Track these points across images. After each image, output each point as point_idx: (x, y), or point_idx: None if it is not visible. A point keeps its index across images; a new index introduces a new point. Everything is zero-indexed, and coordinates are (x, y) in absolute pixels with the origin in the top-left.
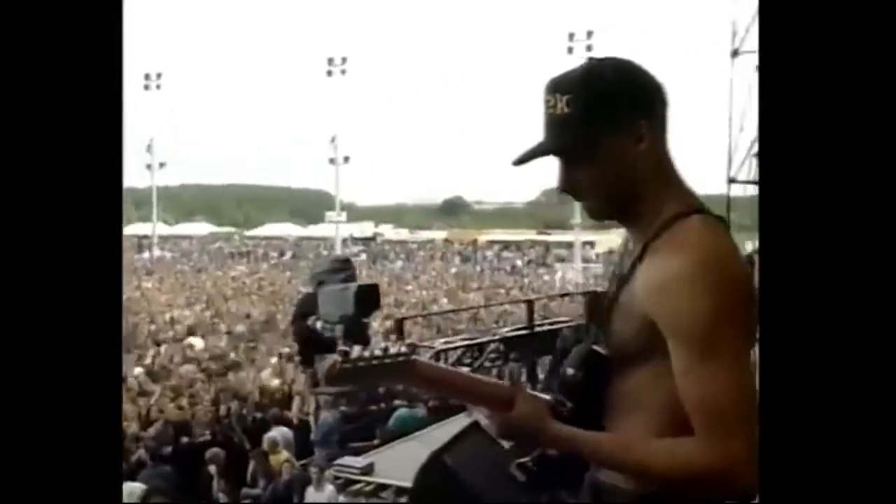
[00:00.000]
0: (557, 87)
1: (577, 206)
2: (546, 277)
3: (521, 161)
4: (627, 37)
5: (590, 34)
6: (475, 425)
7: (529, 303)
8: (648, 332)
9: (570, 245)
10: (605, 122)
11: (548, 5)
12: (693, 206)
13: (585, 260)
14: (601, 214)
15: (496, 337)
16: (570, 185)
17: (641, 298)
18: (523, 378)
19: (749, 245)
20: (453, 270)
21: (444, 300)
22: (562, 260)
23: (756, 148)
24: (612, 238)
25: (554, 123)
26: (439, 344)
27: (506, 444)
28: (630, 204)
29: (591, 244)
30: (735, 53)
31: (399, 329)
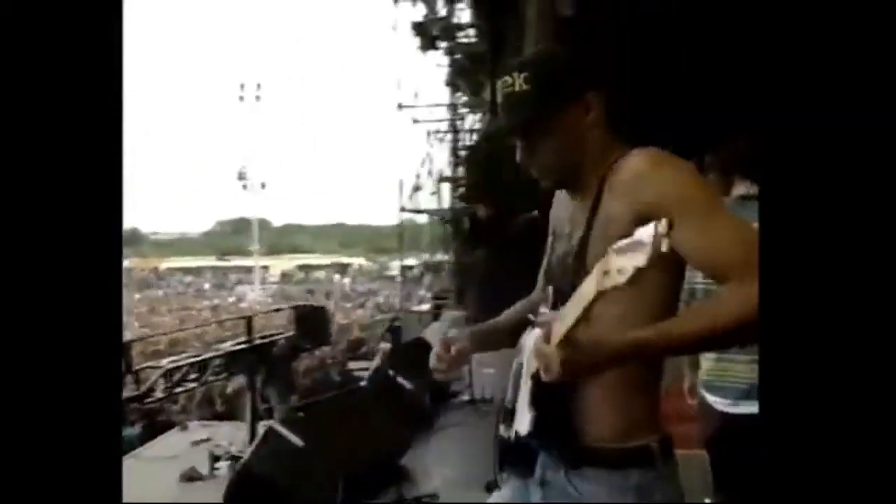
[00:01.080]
0: (514, 67)
1: (256, 234)
2: (231, 299)
3: (490, 139)
4: (300, 88)
5: (259, 86)
6: (270, 430)
7: (248, 319)
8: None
9: (248, 269)
10: (559, 95)
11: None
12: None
13: (263, 281)
14: (556, 184)
15: (219, 352)
16: (529, 159)
17: (626, 210)
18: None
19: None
20: (138, 296)
21: (136, 324)
22: (240, 283)
23: (418, 183)
24: (285, 262)
25: (513, 101)
26: (166, 363)
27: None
28: (581, 170)
29: (267, 268)
30: (400, 106)
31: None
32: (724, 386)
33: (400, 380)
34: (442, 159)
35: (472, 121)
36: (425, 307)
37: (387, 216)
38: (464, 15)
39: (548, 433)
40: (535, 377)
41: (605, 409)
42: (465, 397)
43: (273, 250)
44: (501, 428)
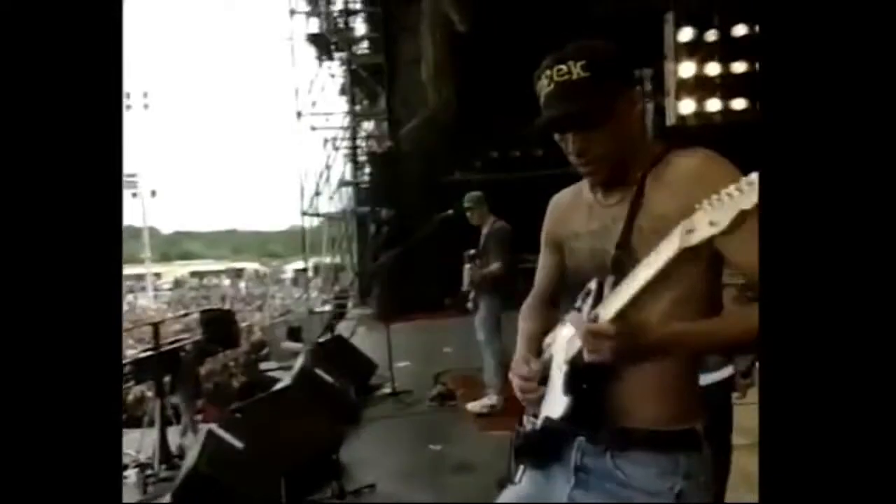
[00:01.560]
0: (568, 56)
1: (147, 242)
2: (125, 307)
3: (549, 129)
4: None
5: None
6: (210, 434)
7: (156, 325)
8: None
9: (140, 276)
10: (615, 84)
11: None
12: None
13: (156, 288)
14: (609, 178)
15: (127, 360)
16: (585, 151)
17: (674, 205)
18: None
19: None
20: None
21: None
22: (132, 291)
23: (318, 188)
24: (177, 269)
25: (570, 89)
26: None
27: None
28: (629, 164)
29: (159, 275)
30: (299, 115)
31: None
32: None
33: (325, 376)
34: (341, 165)
35: (369, 128)
36: (327, 307)
37: (279, 222)
38: (359, 27)
39: (585, 416)
40: (573, 362)
41: (654, 392)
42: (387, 390)
43: (165, 258)
44: (524, 420)
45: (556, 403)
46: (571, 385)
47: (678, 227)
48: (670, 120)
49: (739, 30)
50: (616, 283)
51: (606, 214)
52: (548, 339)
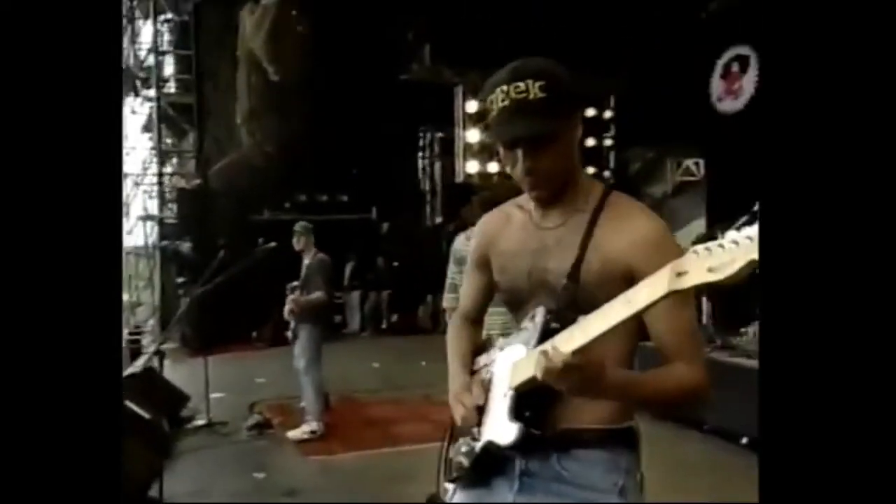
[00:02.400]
0: (526, 74)
1: None
2: None
3: (502, 144)
4: None
5: None
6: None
7: None
8: (625, 283)
9: None
10: (568, 106)
11: None
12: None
13: None
14: (551, 196)
15: None
16: (533, 168)
17: (624, 252)
18: None
19: None
20: None
21: None
22: None
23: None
24: None
25: (527, 109)
26: None
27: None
28: (572, 183)
29: None
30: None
31: None
32: None
33: (136, 409)
34: (141, 201)
35: (175, 165)
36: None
37: None
38: (168, 66)
39: (533, 442)
40: (520, 389)
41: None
42: (201, 421)
43: None
44: (460, 442)
45: (501, 429)
46: (518, 413)
47: (665, 270)
48: (459, 177)
49: None
50: (562, 313)
51: (548, 236)
52: (482, 360)
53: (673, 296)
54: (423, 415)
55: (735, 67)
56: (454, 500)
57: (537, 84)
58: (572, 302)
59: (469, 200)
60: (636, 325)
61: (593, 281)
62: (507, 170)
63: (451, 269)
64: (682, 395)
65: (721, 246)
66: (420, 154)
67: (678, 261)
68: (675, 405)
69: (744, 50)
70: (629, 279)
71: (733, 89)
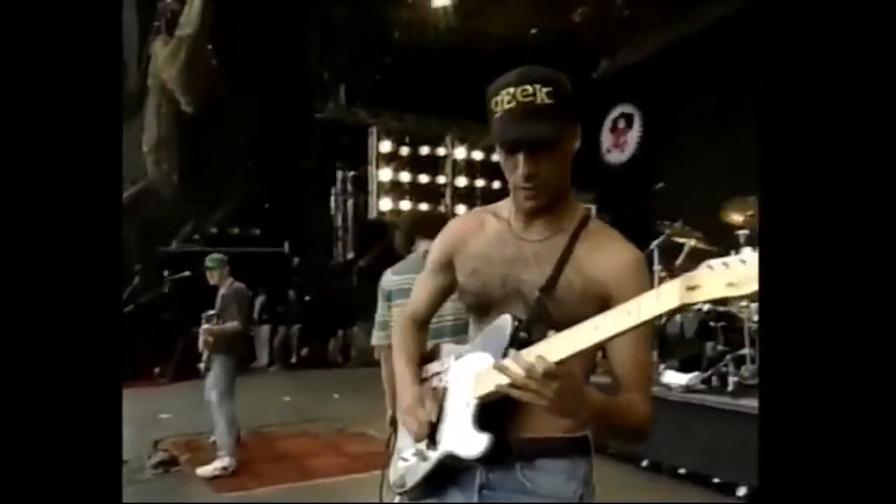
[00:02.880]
0: (534, 79)
1: None
2: None
3: (505, 146)
4: None
5: None
6: None
7: None
8: (599, 304)
9: None
10: (571, 116)
11: None
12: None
13: None
14: (544, 205)
15: None
16: (534, 174)
17: (605, 277)
18: None
19: None
20: None
21: None
22: None
23: None
24: None
25: (534, 113)
26: None
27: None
28: (562, 194)
29: None
30: None
31: None
32: None
33: None
34: None
35: None
36: None
37: None
38: None
39: (499, 451)
40: (485, 399)
41: None
42: None
43: None
44: (405, 455)
45: (464, 440)
46: (484, 423)
47: (674, 283)
48: (372, 214)
49: (424, 150)
50: (532, 324)
51: (527, 247)
52: (433, 367)
53: (638, 329)
54: (337, 447)
55: (622, 124)
56: None
57: (545, 90)
58: (544, 315)
59: (383, 237)
60: (594, 354)
61: (568, 298)
62: (506, 175)
63: (380, 305)
64: (638, 427)
65: (742, 261)
66: (333, 190)
67: (689, 275)
68: (629, 434)
69: (629, 108)
70: (604, 302)
71: (620, 143)
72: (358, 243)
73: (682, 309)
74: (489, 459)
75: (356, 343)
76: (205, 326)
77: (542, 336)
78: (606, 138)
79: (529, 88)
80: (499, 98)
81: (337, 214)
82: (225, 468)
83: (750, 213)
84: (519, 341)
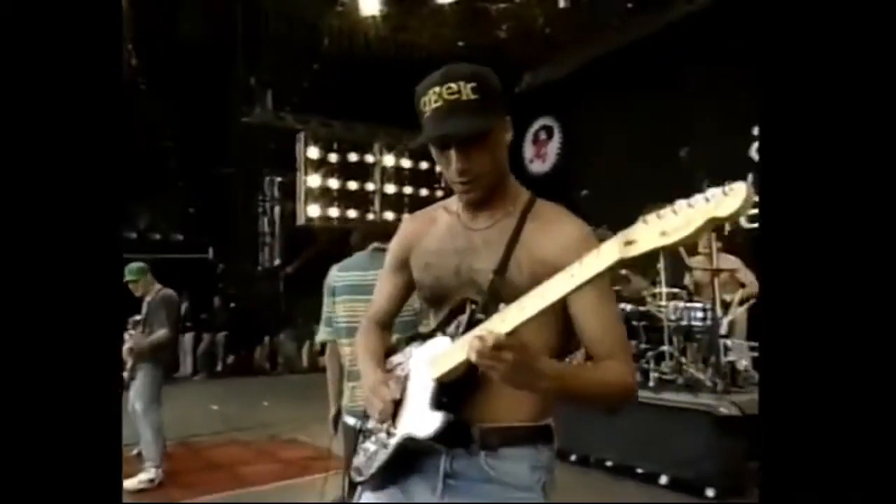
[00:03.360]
0: (458, 76)
1: None
2: None
3: (434, 143)
4: None
5: None
6: None
7: None
8: (549, 277)
9: None
10: (498, 110)
11: None
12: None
13: None
14: (482, 198)
15: None
16: (466, 169)
17: (552, 254)
18: None
19: None
20: None
21: None
22: None
23: None
24: None
25: (460, 109)
26: None
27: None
28: (502, 185)
29: None
30: None
31: None
32: (357, 410)
33: None
34: None
35: None
36: None
37: None
38: None
39: (457, 430)
40: (441, 380)
41: (524, 393)
42: None
43: None
44: (371, 440)
45: (421, 421)
46: (441, 402)
47: (612, 240)
48: (300, 220)
49: (352, 156)
50: (488, 306)
51: (475, 236)
52: (395, 359)
53: (598, 291)
54: (269, 454)
55: (543, 135)
56: (363, 501)
57: (469, 86)
58: (498, 297)
59: (311, 243)
60: (563, 324)
61: (520, 279)
62: (443, 172)
63: (326, 301)
64: (615, 392)
65: (674, 211)
66: (260, 196)
67: (626, 231)
68: (607, 402)
69: (549, 121)
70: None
71: (541, 153)
72: (285, 250)
73: (623, 265)
74: (447, 440)
75: (283, 350)
76: (130, 333)
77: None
78: (529, 149)
79: (454, 86)
80: (426, 98)
81: (264, 220)
82: (151, 480)
83: None
84: (475, 323)
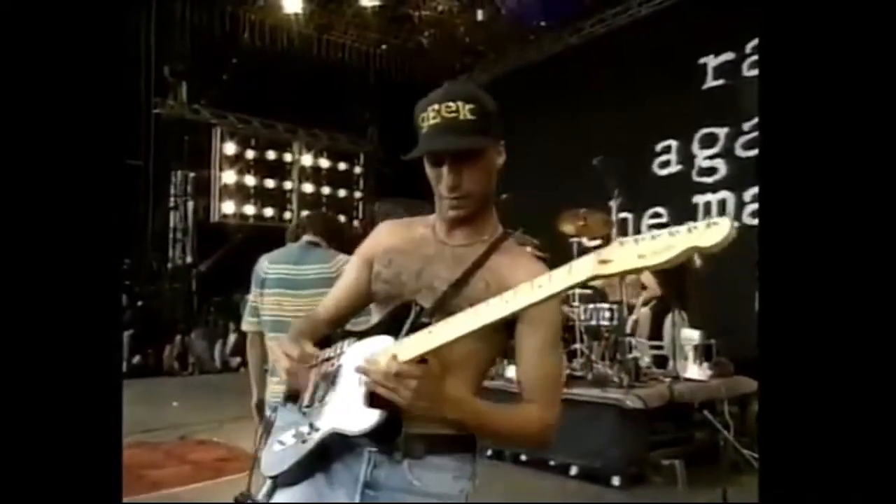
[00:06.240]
0: (458, 96)
1: None
2: None
3: (429, 158)
4: None
5: None
6: None
7: None
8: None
9: None
10: (493, 133)
11: None
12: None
13: None
14: (467, 215)
15: None
16: (457, 186)
17: (515, 285)
18: None
19: None
20: None
21: None
22: None
23: None
24: None
25: (456, 127)
26: None
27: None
28: (485, 207)
29: None
30: None
31: None
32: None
33: None
34: None
35: None
36: None
37: None
38: None
39: (389, 430)
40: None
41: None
42: None
43: None
44: (290, 432)
45: (353, 417)
46: (378, 400)
47: (588, 257)
48: (214, 217)
49: (270, 154)
50: (435, 312)
51: (445, 249)
52: (327, 352)
53: (546, 335)
54: (180, 456)
55: None
56: (274, 500)
57: (468, 106)
58: (449, 307)
59: (225, 241)
60: (494, 347)
61: (477, 298)
62: (432, 187)
63: (252, 291)
64: (529, 437)
65: (652, 237)
66: (172, 191)
67: (601, 250)
68: (520, 444)
69: None
70: (510, 316)
71: None
72: (197, 247)
73: (593, 279)
74: (378, 438)
75: (194, 350)
76: None
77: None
78: None
79: (453, 105)
80: (425, 115)
81: (175, 216)
82: None
83: (581, 223)
84: (419, 326)
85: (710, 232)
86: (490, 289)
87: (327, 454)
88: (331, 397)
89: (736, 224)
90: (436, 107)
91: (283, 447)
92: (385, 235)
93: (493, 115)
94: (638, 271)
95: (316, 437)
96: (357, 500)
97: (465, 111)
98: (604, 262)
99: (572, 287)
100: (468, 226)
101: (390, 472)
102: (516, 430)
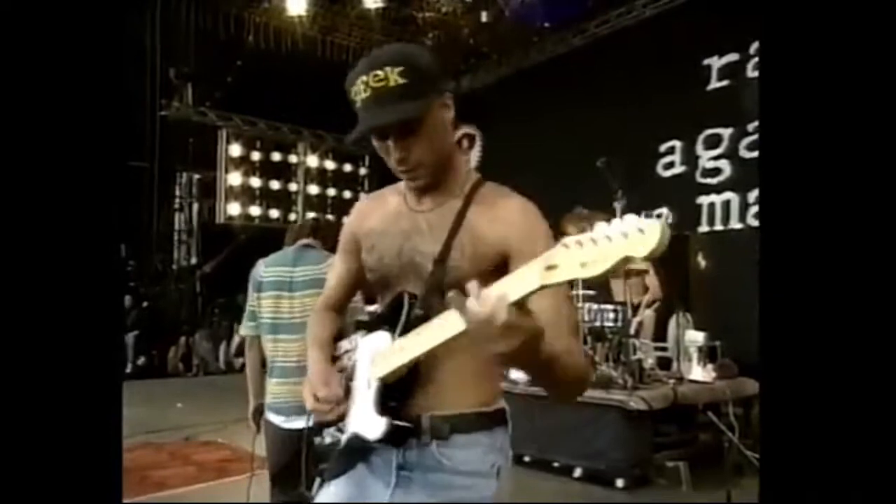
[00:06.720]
0: (383, 61)
1: None
2: None
3: (358, 140)
4: None
5: None
6: None
7: None
8: (495, 259)
9: None
10: (432, 90)
11: None
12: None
13: None
14: (429, 183)
15: None
16: (406, 157)
17: (494, 234)
18: None
19: None
20: None
21: None
22: None
23: None
24: None
25: (389, 97)
26: None
27: None
28: (449, 169)
29: None
30: None
31: None
32: (281, 406)
33: None
34: None
35: None
36: None
37: None
38: None
39: (402, 434)
40: (386, 379)
41: (472, 377)
42: None
43: None
44: (325, 432)
45: (367, 422)
46: (384, 405)
47: (535, 263)
48: (219, 219)
49: (276, 156)
50: (427, 300)
51: (419, 218)
52: (345, 345)
53: (558, 290)
54: (184, 457)
55: (465, 143)
56: (320, 499)
57: (396, 70)
58: (438, 287)
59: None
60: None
61: (462, 265)
62: (385, 160)
63: (250, 295)
64: (582, 380)
65: (593, 241)
66: (178, 193)
67: (548, 253)
68: (575, 389)
69: (471, 129)
70: (502, 261)
71: (465, 160)
72: (202, 248)
73: (541, 289)
74: (394, 441)
75: (198, 351)
76: None
77: (440, 309)
78: None
79: (380, 73)
80: (355, 89)
81: (180, 217)
82: None
83: (583, 225)
84: (415, 318)
85: (644, 239)
86: (468, 252)
87: (361, 446)
88: (351, 395)
89: (669, 231)
90: (364, 78)
91: (323, 445)
92: (363, 216)
93: (428, 71)
94: (580, 279)
95: (343, 438)
96: (393, 483)
97: (394, 76)
98: (550, 268)
99: (531, 294)
100: (434, 189)
101: (420, 453)
102: (571, 365)
